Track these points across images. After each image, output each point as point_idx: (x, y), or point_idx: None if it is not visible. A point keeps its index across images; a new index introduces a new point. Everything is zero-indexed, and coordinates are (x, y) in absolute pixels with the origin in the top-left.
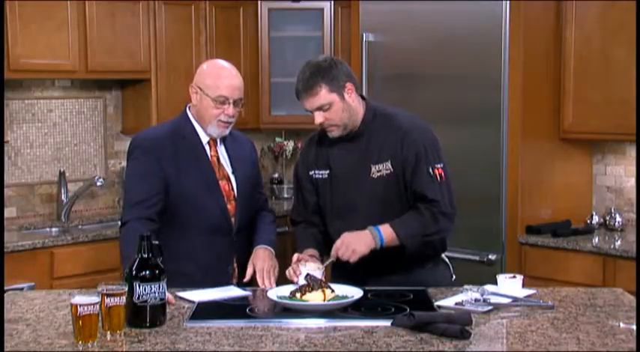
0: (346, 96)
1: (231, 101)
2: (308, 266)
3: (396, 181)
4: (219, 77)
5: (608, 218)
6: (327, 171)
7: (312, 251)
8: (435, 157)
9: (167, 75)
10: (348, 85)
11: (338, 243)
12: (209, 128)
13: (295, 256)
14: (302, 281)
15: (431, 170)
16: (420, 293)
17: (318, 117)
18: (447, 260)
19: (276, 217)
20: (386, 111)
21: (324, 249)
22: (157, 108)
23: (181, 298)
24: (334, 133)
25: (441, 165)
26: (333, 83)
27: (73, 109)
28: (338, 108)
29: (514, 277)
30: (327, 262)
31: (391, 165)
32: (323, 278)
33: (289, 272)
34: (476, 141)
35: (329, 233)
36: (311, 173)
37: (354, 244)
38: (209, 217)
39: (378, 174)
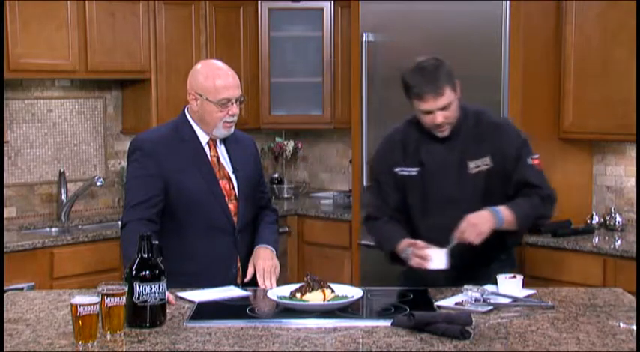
0: (458, 93)
1: (233, 101)
2: (435, 248)
3: (496, 175)
4: (217, 80)
5: (608, 218)
6: (418, 169)
7: (409, 241)
8: (530, 149)
9: (167, 75)
10: (458, 83)
11: (463, 225)
12: (215, 131)
13: (417, 242)
14: (435, 266)
15: (530, 160)
16: (420, 293)
17: (439, 117)
18: (514, 255)
19: (278, 216)
20: (473, 108)
21: None
22: (157, 108)
23: (181, 298)
24: (445, 132)
25: (537, 156)
26: (452, 82)
27: (73, 109)
28: (455, 106)
29: (514, 277)
30: (451, 245)
31: (490, 159)
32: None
33: (417, 260)
34: None
35: (417, 230)
36: (396, 170)
37: (480, 225)
38: (210, 217)
39: (477, 169)
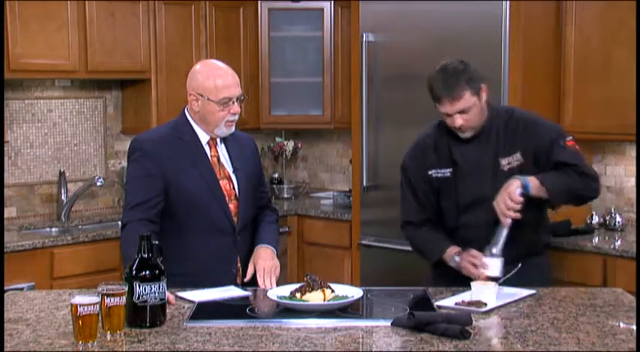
0: (482, 97)
1: (234, 99)
2: (489, 257)
3: (529, 170)
4: (217, 79)
5: (608, 218)
6: (450, 170)
7: (456, 248)
8: (563, 134)
9: (167, 75)
10: (484, 87)
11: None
12: (217, 130)
13: (474, 252)
14: (491, 273)
15: (563, 143)
16: (420, 293)
17: (458, 120)
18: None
19: (279, 216)
20: (502, 107)
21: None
22: (157, 108)
23: (181, 298)
24: (467, 134)
25: (571, 138)
26: (474, 86)
27: (73, 109)
28: (477, 110)
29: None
30: (502, 238)
31: (521, 155)
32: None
33: (472, 269)
34: None
35: (453, 230)
36: (430, 173)
37: (509, 189)
38: (210, 217)
39: (509, 166)
